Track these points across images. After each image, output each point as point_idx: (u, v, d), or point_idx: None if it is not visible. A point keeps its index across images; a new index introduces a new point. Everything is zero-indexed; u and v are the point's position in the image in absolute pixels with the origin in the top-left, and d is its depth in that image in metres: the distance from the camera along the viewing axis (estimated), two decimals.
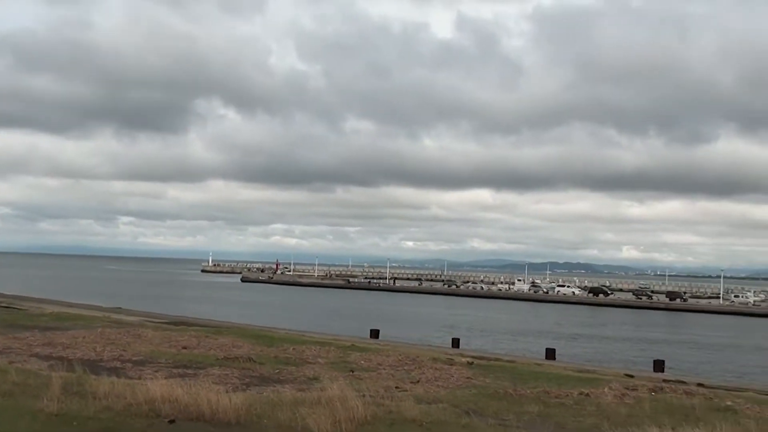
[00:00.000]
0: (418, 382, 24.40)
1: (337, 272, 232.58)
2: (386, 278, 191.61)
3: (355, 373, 26.43)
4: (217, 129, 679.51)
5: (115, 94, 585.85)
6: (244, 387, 21.33)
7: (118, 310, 61.12)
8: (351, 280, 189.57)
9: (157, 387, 17.43)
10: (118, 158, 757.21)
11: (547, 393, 22.34)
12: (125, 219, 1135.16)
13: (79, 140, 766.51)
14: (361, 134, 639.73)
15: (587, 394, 22.21)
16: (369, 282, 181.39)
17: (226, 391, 18.22)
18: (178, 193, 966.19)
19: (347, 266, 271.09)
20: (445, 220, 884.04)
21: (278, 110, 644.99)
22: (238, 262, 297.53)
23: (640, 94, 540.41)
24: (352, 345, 36.71)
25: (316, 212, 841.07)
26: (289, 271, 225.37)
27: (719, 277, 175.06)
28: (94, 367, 23.09)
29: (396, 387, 22.87)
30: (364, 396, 18.50)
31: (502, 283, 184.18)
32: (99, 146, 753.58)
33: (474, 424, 16.90)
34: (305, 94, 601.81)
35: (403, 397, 19.94)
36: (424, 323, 77.06)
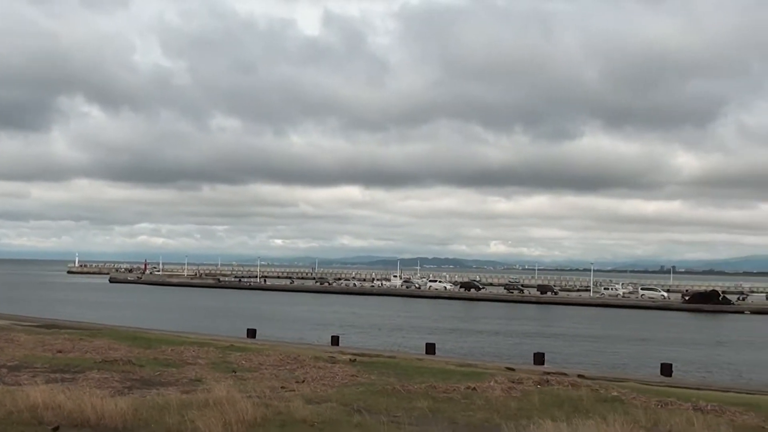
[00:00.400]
0: (304, 381, 24.12)
1: (206, 271, 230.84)
2: (257, 277, 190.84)
3: (237, 373, 26.04)
4: (81, 127, 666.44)
5: None
6: (126, 390, 20.74)
7: None
8: (221, 279, 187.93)
9: (38, 393, 16.91)
10: None
11: (434, 388, 22.33)
12: None
13: None
14: (227, 131, 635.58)
15: (474, 389, 22.28)
16: (239, 281, 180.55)
17: (109, 396, 17.76)
18: (42, 193, 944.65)
19: (216, 265, 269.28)
20: (313, 218, 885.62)
21: (143, 107, 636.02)
22: (105, 262, 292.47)
23: (506, 92, 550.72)
24: (231, 345, 36.30)
25: (183, 211, 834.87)
26: (158, 271, 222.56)
27: (586, 270, 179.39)
28: None
29: (282, 387, 22.58)
30: (251, 397, 18.26)
31: (375, 279, 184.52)
32: None
33: (366, 422, 16.73)
34: (170, 91, 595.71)
35: (290, 398, 19.68)
36: (299, 322, 76.79)
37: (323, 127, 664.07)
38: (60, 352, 30.53)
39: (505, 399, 20.85)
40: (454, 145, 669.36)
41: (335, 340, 48.17)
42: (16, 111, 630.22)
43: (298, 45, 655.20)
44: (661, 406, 20.47)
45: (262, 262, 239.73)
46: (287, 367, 28.18)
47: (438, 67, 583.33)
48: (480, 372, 29.19)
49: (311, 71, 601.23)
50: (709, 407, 20.09)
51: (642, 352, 56.63)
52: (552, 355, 45.79)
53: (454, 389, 22.19)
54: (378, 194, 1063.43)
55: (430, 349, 44.45)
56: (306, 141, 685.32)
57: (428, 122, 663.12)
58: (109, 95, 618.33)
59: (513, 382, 23.68)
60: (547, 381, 24.56)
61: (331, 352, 36.52)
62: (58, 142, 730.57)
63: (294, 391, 21.63)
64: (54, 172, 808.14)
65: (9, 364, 26.44)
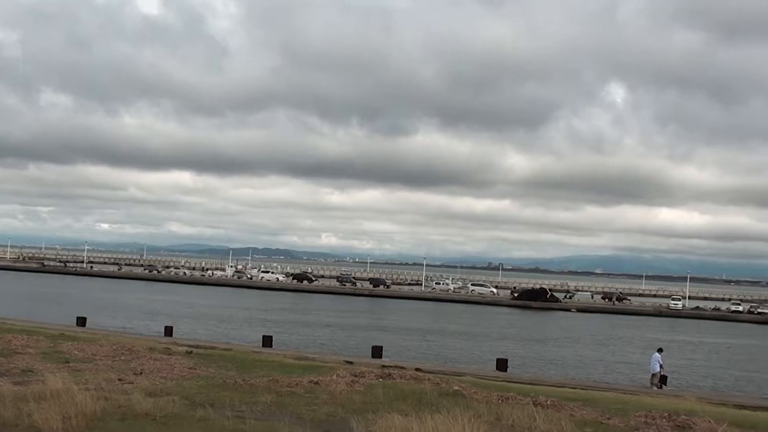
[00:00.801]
0: (141, 373, 23.51)
1: (30, 255, 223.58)
2: (83, 262, 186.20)
3: (71, 364, 25.22)
4: None
5: None
6: None
7: None
8: (46, 263, 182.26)
9: None
10: None
11: (276, 382, 22.08)
12: None
13: None
14: (57, 108, 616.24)
15: (317, 383, 22.14)
16: (65, 266, 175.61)
17: None
18: None
19: (41, 248, 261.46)
20: (143, 202, 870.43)
21: None
22: None
23: (345, 85, 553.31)
24: (62, 334, 35.26)
25: (6, 189, 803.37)
26: None
27: (416, 264, 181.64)
28: None
29: (119, 379, 21.93)
30: (88, 389, 17.62)
31: (206, 269, 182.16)
32: None
33: (209, 416, 16.39)
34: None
35: (129, 390, 19.14)
36: (129, 310, 74.88)
37: (157, 109, 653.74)
38: None
39: (349, 393, 20.79)
40: (291, 134, 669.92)
41: (168, 331, 47.31)
42: None
43: (135, 23, 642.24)
44: (502, 400, 20.82)
45: (88, 247, 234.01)
46: (122, 358, 27.47)
47: (278, 55, 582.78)
48: (319, 366, 29.14)
49: (148, 51, 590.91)
50: (548, 402, 20.55)
51: (475, 347, 57.52)
52: (387, 348, 45.95)
53: (297, 383, 21.98)
54: (211, 181, 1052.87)
55: (267, 341, 44.11)
56: (139, 122, 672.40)
57: (265, 110, 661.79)
58: None
59: (355, 376, 23.65)
60: (389, 375, 24.65)
61: (165, 344, 35.86)
62: None
63: (132, 383, 21.06)
64: None
65: None
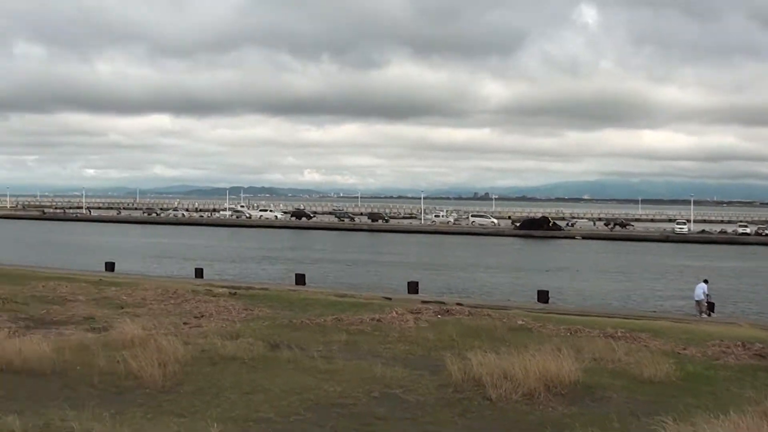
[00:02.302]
0: (202, 317, 23.79)
1: (27, 203, 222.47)
2: (81, 208, 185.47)
3: (126, 309, 25.48)
4: None
5: None
6: (25, 331, 20.01)
7: None
8: (46, 211, 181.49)
9: None
10: None
11: (340, 320, 22.38)
12: None
13: None
14: (32, 59, 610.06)
15: (379, 320, 22.41)
16: (64, 212, 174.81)
17: (8, 337, 17.04)
18: None
19: (36, 196, 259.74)
20: (125, 147, 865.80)
21: None
22: None
23: (313, 20, 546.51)
24: (100, 280, 35.59)
25: None
26: None
27: (402, 197, 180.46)
28: None
29: (184, 323, 22.26)
30: (167, 335, 17.84)
31: (212, 211, 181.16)
32: None
33: (296, 356, 16.72)
34: None
35: (204, 334, 19.42)
36: (146, 253, 74.65)
37: (129, 54, 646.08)
38: None
39: (418, 330, 21.05)
40: (263, 73, 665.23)
41: (199, 273, 47.37)
42: None
43: None
44: (571, 333, 21.01)
45: (76, 193, 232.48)
46: (171, 302, 27.83)
47: None
48: (366, 303, 29.36)
49: None
50: (619, 333, 20.71)
51: (499, 280, 57.12)
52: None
53: (360, 321, 22.30)
54: (188, 123, 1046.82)
55: (300, 279, 44.21)
56: (112, 69, 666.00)
57: (236, 50, 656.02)
58: None
59: (413, 313, 23.87)
60: (448, 311, 24.90)
61: (202, 285, 36.08)
62: None
63: (200, 327, 21.33)
64: None
65: None
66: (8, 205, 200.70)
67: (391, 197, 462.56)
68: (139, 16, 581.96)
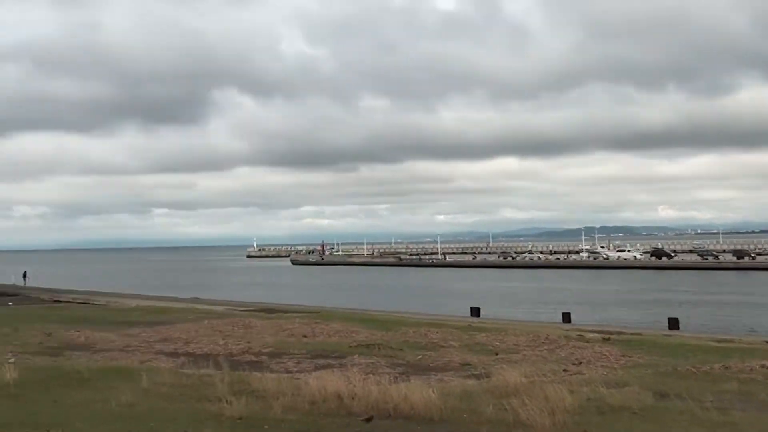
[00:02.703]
0: (580, 363, 22.85)
1: (383, 250, 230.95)
2: (437, 254, 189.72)
3: (500, 355, 25.01)
4: (236, 117, 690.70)
5: (133, 91, 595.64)
6: (404, 377, 19.88)
7: (196, 300, 60.19)
8: (402, 257, 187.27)
9: (329, 382, 15.98)
10: (145, 152, 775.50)
11: (728, 368, 20.65)
12: (159, 211, 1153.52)
13: (105, 138, 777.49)
14: (377, 112, 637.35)
15: None
16: (419, 258, 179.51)
17: (389, 382, 16.80)
18: (207, 182, 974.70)
19: (390, 244, 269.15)
20: (473, 192, 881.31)
21: (293, 94, 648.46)
22: (282, 245, 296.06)
23: (653, 49, 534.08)
24: (469, 325, 35.43)
25: (343, 192, 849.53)
26: (337, 251, 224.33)
27: (763, 232, 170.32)
28: (232, 362, 21.50)
29: (564, 370, 21.35)
30: (552, 382, 17.02)
31: (557, 252, 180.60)
32: (124, 142, 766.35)
33: (688, 408, 15.29)
34: (317, 77, 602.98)
35: (587, 381, 18.41)
36: (510, 298, 74.60)
37: (471, 99, 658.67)
38: (305, 337, 30.26)
39: None
40: (607, 108, 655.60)
41: (567, 317, 46.54)
42: (174, 107, 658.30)
43: (435, 20, 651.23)
44: None
45: (426, 239, 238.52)
46: (545, 348, 27.10)
47: (580, 29, 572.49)
48: (748, 348, 27.39)
49: (452, 45, 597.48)
50: None
51: None
52: None
53: (751, 369, 20.46)
54: (535, 164, 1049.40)
55: (674, 324, 42.41)
56: (456, 115, 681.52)
57: (577, 87, 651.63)
58: (259, 85, 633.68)
59: None
60: None
61: (571, 330, 35.19)
62: (216, 134, 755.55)
63: (581, 374, 20.41)
64: (216, 162, 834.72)
65: (265, 351, 26.08)
66: (365, 253, 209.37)
67: (753, 232, 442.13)
68: (479, 60, 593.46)
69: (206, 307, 49.42)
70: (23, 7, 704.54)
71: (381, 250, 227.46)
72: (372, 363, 22.67)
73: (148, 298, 62.44)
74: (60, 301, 61.29)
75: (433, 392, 15.56)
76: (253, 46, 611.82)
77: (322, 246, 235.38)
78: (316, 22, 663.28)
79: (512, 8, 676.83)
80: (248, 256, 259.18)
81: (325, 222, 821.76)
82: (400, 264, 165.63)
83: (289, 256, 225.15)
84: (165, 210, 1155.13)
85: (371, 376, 19.13)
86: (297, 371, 21.10)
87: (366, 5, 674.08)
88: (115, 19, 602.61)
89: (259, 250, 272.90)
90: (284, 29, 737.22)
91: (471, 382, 18.98)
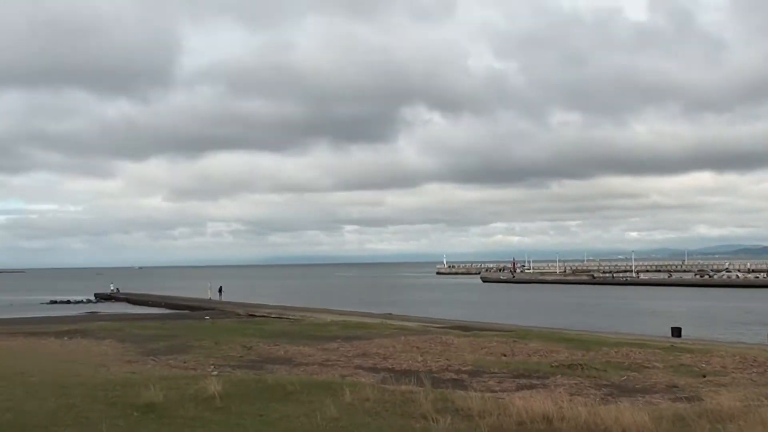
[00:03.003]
0: None
1: (574, 267, 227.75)
2: (630, 271, 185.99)
3: (707, 378, 24.02)
4: (425, 134, 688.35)
5: (324, 110, 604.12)
6: (610, 398, 19.39)
7: (389, 316, 60.39)
8: (595, 275, 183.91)
9: (535, 402, 15.58)
10: (335, 170, 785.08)
11: None
12: (349, 227, 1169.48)
13: (297, 156, 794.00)
14: (568, 126, 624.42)
15: None
16: (612, 276, 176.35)
17: (597, 404, 16.30)
18: (396, 199, 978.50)
19: (582, 261, 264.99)
20: (666, 208, 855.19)
21: (482, 110, 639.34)
22: (471, 262, 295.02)
23: None
24: (672, 346, 34.17)
25: (533, 208, 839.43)
26: (528, 269, 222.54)
27: None
28: (432, 379, 21.32)
29: None
30: (758, 407, 16.16)
31: (756, 270, 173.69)
32: (316, 160, 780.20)
33: None
34: (506, 92, 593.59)
35: None
36: (708, 318, 71.91)
37: (664, 112, 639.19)
38: (504, 356, 29.87)
39: None
40: None
41: None
42: (364, 125, 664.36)
43: (626, 32, 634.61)
44: None
45: (618, 256, 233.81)
46: (754, 371, 26.12)
47: None
48: None
49: (643, 57, 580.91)
50: None
51: None
52: None
53: None
54: (731, 179, 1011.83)
55: None
56: (648, 129, 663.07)
57: None
58: (448, 101, 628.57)
59: None
60: None
61: None
62: (405, 151, 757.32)
63: None
64: (405, 179, 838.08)
65: (465, 368, 25.98)
66: (557, 271, 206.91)
67: None
68: (672, 72, 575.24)
69: (399, 323, 49.58)
70: (217, 30, 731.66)
71: (573, 268, 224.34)
72: (576, 384, 22.20)
73: (341, 313, 63.07)
74: (255, 316, 62.65)
75: (646, 415, 15.02)
76: (440, 62, 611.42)
77: (513, 263, 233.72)
78: (504, 36, 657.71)
79: (705, 18, 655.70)
80: (438, 273, 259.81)
81: (515, 239, 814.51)
82: (593, 282, 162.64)
83: (479, 273, 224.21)
84: (355, 227, 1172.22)
85: (577, 397, 18.71)
86: (499, 390, 20.85)
87: (554, 18, 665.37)
88: (305, 39, 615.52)
89: (449, 267, 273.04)
90: (471, 44, 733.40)
91: (681, 405, 18.28)
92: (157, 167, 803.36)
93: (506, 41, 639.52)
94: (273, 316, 61.75)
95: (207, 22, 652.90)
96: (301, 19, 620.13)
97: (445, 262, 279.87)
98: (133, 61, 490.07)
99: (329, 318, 54.28)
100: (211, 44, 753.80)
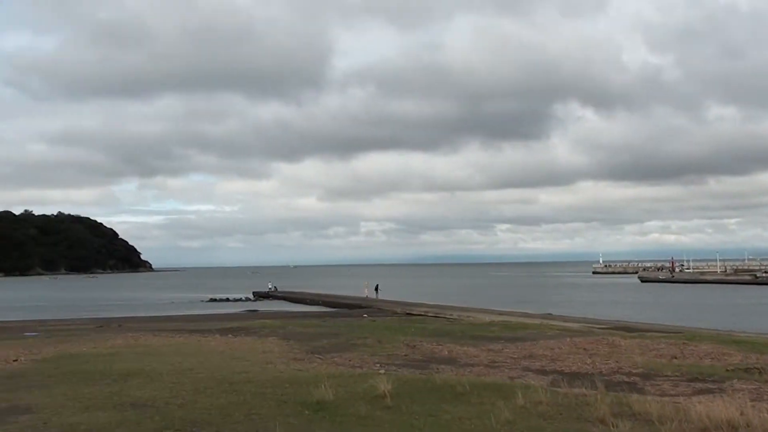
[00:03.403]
0: None
1: (735, 266, 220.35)
2: None
3: None
4: (578, 131, 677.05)
5: (475, 108, 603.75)
6: None
7: (549, 316, 59.63)
8: (758, 275, 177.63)
9: (717, 408, 14.90)
10: (487, 168, 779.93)
11: None
12: (502, 226, 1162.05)
13: (448, 155, 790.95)
14: (724, 120, 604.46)
15: None
16: None
17: None
18: (549, 198, 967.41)
19: (743, 260, 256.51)
20: None
21: (636, 106, 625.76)
22: (628, 261, 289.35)
23: None
24: None
25: (689, 206, 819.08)
26: (687, 268, 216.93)
27: None
28: (604, 382, 20.70)
29: None
30: None
31: None
32: (467, 159, 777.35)
33: None
34: (661, 86, 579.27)
35: None
36: None
37: None
38: (675, 358, 28.91)
39: None
40: None
41: None
42: (515, 122, 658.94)
43: None
44: None
45: None
46: None
47: None
48: None
49: None
50: None
51: None
52: None
53: None
54: None
55: None
56: None
57: None
58: (601, 97, 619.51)
59: None
60: None
61: None
62: (558, 148, 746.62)
63: None
64: (558, 177, 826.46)
65: (635, 371, 25.27)
66: (718, 270, 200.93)
67: None
68: None
69: (560, 323, 48.74)
70: (367, 32, 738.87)
71: (734, 267, 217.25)
72: (756, 389, 21.23)
73: (500, 313, 62.41)
74: (412, 314, 62.80)
75: None
76: (593, 58, 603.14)
77: (672, 262, 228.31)
78: (659, 30, 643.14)
79: None
80: (594, 272, 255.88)
81: (671, 238, 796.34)
82: (756, 282, 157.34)
83: (636, 272, 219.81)
84: (508, 225, 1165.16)
85: (759, 403, 17.85)
86: (674, 394, 20.18)
87: (710, 10, 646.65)
88: (455, 38, 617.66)
89: (605, 266, 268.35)
90: (625, 39, 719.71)
91: None
92: (311, 168, 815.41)
93: (661, 35, 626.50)
94: (430, 315, 61.73)
95: (357, 24, 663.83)
96: (449, 18, 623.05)
97: (601, 261, 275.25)
98: (286, 65, 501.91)
99: (488, 318, 53.85)
100: (362, 46, 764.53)
